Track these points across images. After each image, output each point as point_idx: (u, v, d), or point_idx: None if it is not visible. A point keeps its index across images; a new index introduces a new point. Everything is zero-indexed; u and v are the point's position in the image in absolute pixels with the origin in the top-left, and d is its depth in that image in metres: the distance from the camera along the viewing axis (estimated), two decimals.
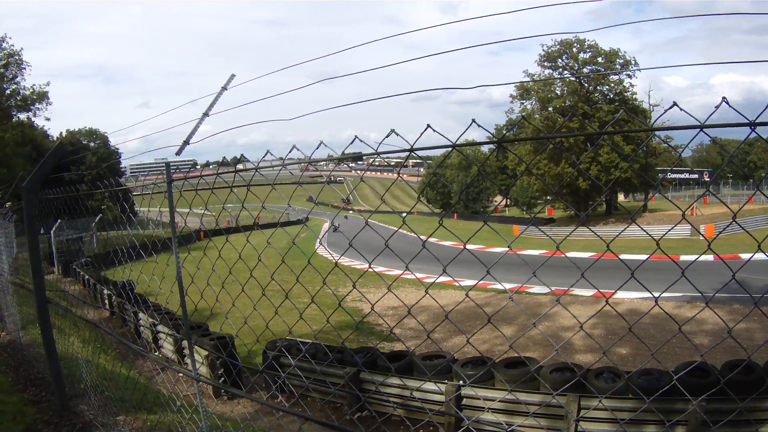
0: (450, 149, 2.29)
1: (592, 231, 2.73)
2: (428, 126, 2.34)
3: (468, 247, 2.55)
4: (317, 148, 2.71)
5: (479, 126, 2.33)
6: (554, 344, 2.71)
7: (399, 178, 3.28)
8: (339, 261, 3.26)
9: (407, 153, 2.37)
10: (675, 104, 2.12)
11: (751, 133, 1.83)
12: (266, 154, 2.98)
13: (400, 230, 3.01)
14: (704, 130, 1.85)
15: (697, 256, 2.21)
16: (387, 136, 2.39)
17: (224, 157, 3.71)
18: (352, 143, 2.58)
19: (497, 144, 2.26)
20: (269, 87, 3.87)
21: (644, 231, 2.51)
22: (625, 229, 2.73)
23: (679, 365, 7.86)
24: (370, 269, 3.02)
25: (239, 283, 3.33)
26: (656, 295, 2.38)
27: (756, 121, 1.78)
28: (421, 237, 2.82)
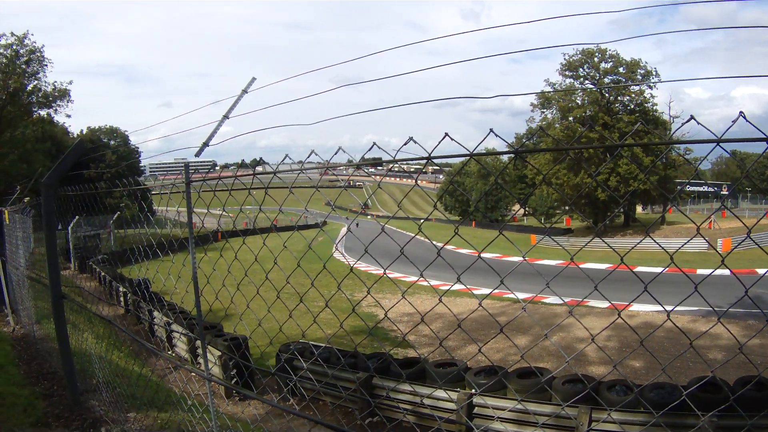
0: (467, 158, 2.28)
1: (606, 243, 2.71)
2: (446, 135, 2.34)
3: (485, 255, 2.54)
4: (335, 154, 2.72)
5: (497, 135, 2.33)
6: (565, 356, 2.69)
7: (416, 184, 3.27)
8: (355, 266, 3.25)
9: (429, 160, 2.37)
10: (692, 118, 2.11)
11: (767, 149, 1.80)
12: (285, 158, 2.99)
13: (418, 237, 3.00)
14: (721, 144, 1.83)
15: (712, 270, 2.19)
16: (405, 144, 2.39)
17: (243, 160, 3.75)
18: (370, 149, 2.58)
19: (515, 153, 2.25)
20: (291, 90, 3.88)
21: (658, 244, 2.48)
22: (639, 242, 2.72)
23: (691, 380, 7.78)
24: (385, 275, 3.01)
25: (254, 285, 3.34)
26: (669, 308, 2.36)
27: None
28: (437, 244, 2.81)
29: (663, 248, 2.44)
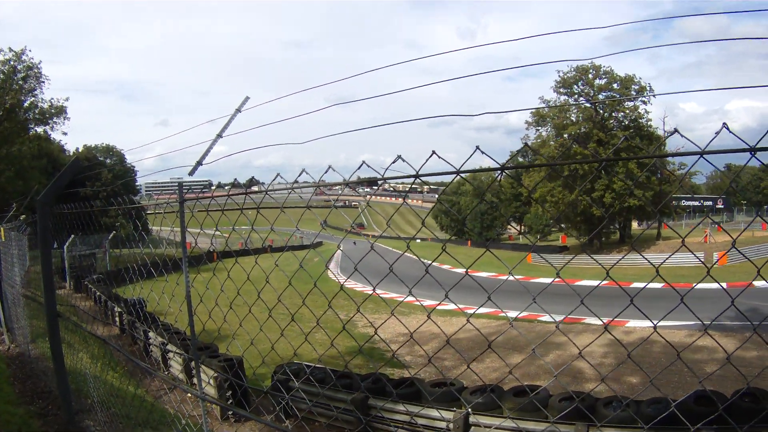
0: (455, 176, 2.32)
1: (593, 258, 2.75)
2: (433, 152, 2.38)
3: (482, 275, 2.57)
4: (325, 172, 2.75)
5: (483, 153, 2.38)
6: (553, 371, 2.71)
7: (404, 203, 3.32)
8: (351, 287, 3.27)
9: (416, 178, 2.40)
10: (676, 131, 2.16)
11: (750, 158, 1.84)
12: (276, 177, 3.02)
13: (413, 256, 3.03)
14: (705, 156, 1.87)
15: (706, 283, 2.22)
16: (393, 162, 2.43)
17: (236, 179, 3.76)
18: (359, 168, 2.62)
19: (500, 170, 2.29)
20: (288, 109, 3.91)
21: (644, 258, 2.53)
22: (623, 257, 2.75)
23: (689, 394, 7.79)
24: (375, 294, 3.03)
25: (247, 304, 3.35)
26: (655, 322, 2.39)
27: (756, 147, 1.79)
28: (425, 261, 2.84)
29: (650, 263, 2.48)
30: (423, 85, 3.20)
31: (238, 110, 3.70)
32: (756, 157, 1.84)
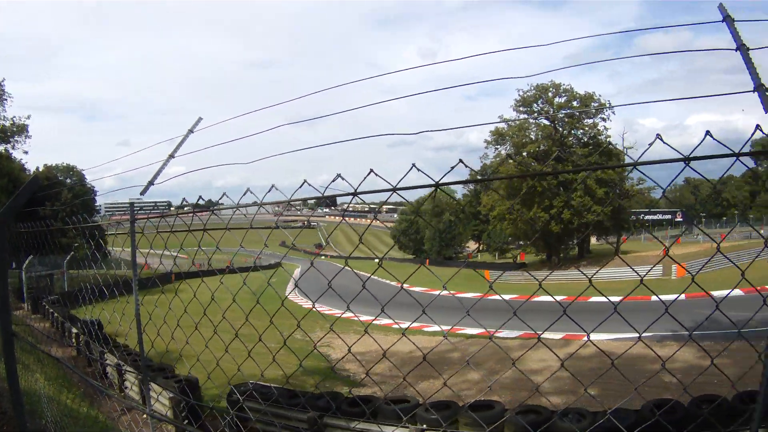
0: (391, 192, 2.43)
1: (531, 275, 2.92)
2: (371, 171, 2.52)
3: (435, 292, 2.70)
4: (268, 191, 2.83)
5: (418, 170, 2.49)
6: (488, 381, 2.85)
7: (343, 220, 3.43)
8: (308, 307, 3.37)
9: (354, 196, 2.52)
10: (609, 143, 2.34)
11: (684, 168, 2.01)
12: (222, 197, 3.11)
13: (373, 276, 3.15)
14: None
15: (668, 294, 2.37)
16: (333, 180, 2.55)
17: (184, 199, 3.84)
18: (300, 187, 2.70)
19: (435, 187, 2.42)
20: (248, 128, 4.00)
21: (581, 272, 2.70)
22: (549, 275, 2.90)
23: (645, 404, 8.00)
24: (314, 309, 3.15)
25: (194, 324, 3.42)
26: (588, 331, 2.56)
27: (690, 156, 1.96)
28: (361, 274, 2.96)
29: (588, 277, 2.63)
30: (374, 103, 3.28)
31: (191, 131, 3.79)
32: (691, 167, 2.00)
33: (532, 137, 57.53)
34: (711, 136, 2.03)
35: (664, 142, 2.15)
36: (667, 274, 37.96)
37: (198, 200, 3.67)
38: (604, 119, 56.18)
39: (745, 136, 2.10)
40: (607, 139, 57.48)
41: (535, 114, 57.37)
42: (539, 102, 57.12)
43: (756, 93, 2.07)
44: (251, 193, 2.94)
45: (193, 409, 9.42)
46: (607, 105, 55.41)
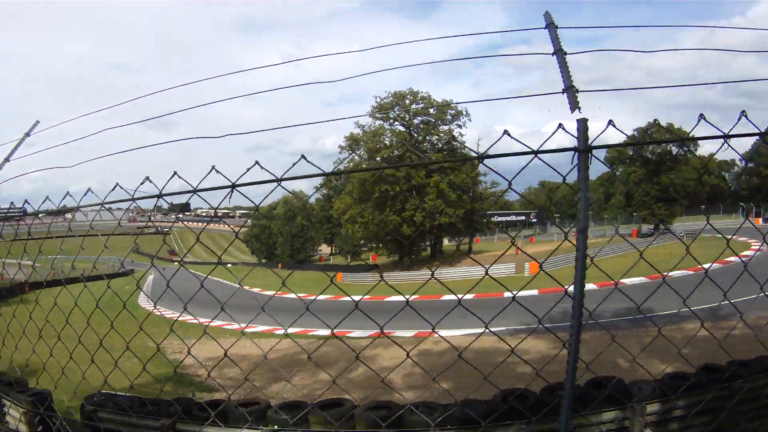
0: (230, 189, 2.50)
1: (383, 280, 3.07)
2: (213, 168, 2.59)
3: (290, 296, 2.79)
4: (112, 190, 2.80)
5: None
6: (331, 376, 3.00)
7: (185, 225, 3.46)
8: (164, 314, 3.36)
9: (194, 193, 2.57)
10: (464, 145, 2.53)
11: (533, 158, 2.24)
12: (45, 200, 3.04)
13: (221, 281, 3.19)
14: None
15: (526, 291, 2.58)
16: (169, 180, 2.59)
17: (13, 203, 3.71)
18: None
19: (277, 182, 2.52)
20: (107, 133, 3.89)
21: (428, 268, 2.89)
22: (418, 273, 3.08)
23: (496, 394, 8.47)
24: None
25: (56, 333, 3.32)
26: (434, 323, 2.76)
27: (539, 149, 2.19)
28: (198, 274, 3.02)
29: (430, 269, 2.84)
30: (223, 99, 3.34)
31: (27, 134, 3.70)
32: (539, 157, 2.24)
33: (387, 143, 58.47)
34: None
35: (511, 137, 2.38)
36: (520, 272, 39.67)
37: (24, 204, 3.57)
38: (459, 126, 58.42)
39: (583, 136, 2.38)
40: (463, 145, 59.52)
41: (392, 120, 58.42)
42: (396, 109, 57.99)
43: (565, 94, 2.35)
44: (70, 196, 2.91)
45: (45, 422, 8.89)
46: (463, 113, 57.49)
